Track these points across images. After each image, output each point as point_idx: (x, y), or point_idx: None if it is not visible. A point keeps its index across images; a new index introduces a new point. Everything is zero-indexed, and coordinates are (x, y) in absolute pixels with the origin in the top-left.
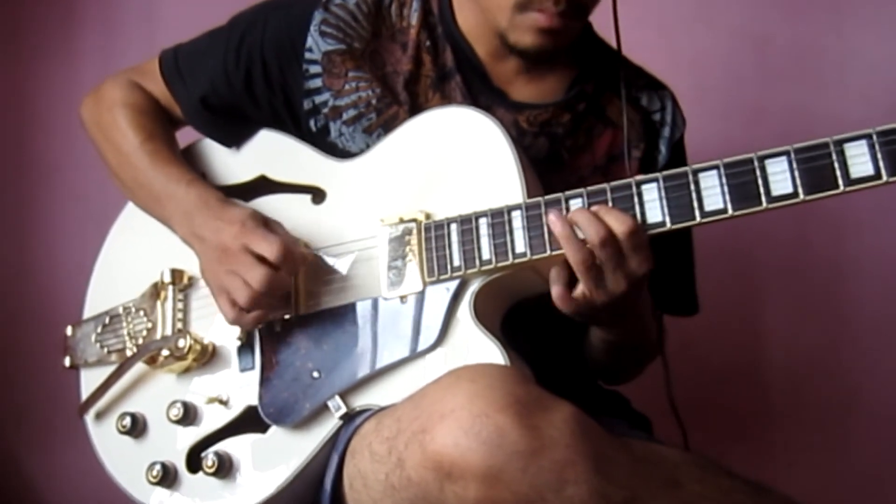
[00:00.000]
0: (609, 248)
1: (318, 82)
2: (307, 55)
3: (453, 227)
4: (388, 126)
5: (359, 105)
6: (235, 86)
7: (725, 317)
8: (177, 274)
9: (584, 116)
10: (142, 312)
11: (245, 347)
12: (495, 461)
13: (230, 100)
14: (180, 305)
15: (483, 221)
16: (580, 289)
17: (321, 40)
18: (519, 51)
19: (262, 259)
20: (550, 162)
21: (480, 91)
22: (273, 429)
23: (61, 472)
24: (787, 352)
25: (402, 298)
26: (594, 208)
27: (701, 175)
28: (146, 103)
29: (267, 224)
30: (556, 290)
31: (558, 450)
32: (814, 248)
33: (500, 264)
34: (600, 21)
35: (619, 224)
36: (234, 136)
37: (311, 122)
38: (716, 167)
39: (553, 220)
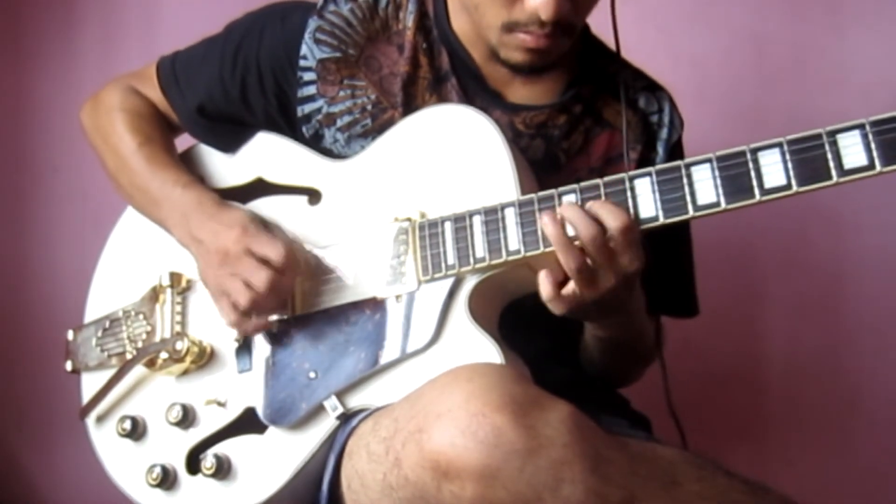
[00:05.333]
0: (600, 246)
1: (311, 90)
2: (302, 63)
3: (447, 225)
4: (383, 130)
5: (353, 111)
6: (231, 94)
7: (725, 317)
8: (175, 277)
9: (580, 118)
10: (141, 316)
11: (243, 349)
12: (492, 460)
13: (226, 108)
14: (179, 308)
15: (477, 219)
16: (571, 287)
17: (316, 48)
18: (511, 66)
19: (265, 262)
20: (547, 164)
21: (476, 93)
22: (271, 430)
23: (61, 473)
24: (786, 352)
25: (398, 298)
26: (588, 205)
27: (693, 168)
28: (144, 108)
29: (267, 227)
30: (545, 292)
31: (555, 449)
32: (813, 247)
33: (493, 261)
34: (599, 21)
35: (612, 219)
36: (231, 143)
37: (305, 129)
38: (708, 160)
39: (546, 222)
